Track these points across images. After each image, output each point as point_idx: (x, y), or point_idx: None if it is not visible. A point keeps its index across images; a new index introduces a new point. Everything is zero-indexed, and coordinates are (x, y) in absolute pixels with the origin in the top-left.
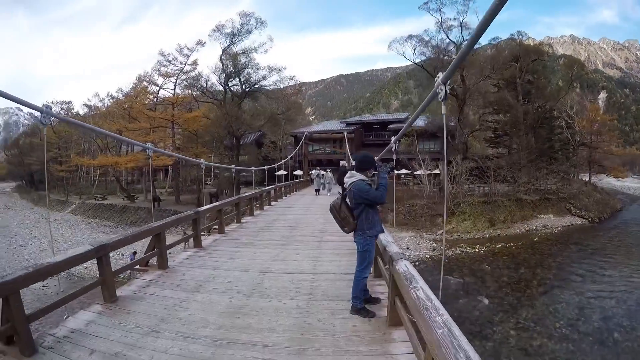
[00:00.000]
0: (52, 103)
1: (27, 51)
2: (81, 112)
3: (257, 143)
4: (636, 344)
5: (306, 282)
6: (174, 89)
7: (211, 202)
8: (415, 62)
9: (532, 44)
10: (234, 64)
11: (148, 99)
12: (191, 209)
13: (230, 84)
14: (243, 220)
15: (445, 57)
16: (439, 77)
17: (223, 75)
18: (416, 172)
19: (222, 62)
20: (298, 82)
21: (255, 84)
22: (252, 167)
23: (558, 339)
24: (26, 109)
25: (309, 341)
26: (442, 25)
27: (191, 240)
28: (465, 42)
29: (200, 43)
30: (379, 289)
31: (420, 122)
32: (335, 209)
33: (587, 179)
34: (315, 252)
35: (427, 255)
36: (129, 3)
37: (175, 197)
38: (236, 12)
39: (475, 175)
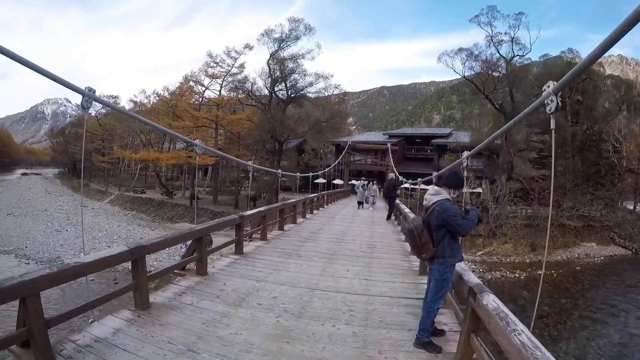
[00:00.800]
0: (99, 96)
1: (79, 46)
2: (127, 107)
3: (298, 149)
4: None
5: (360, 304)
6: (220, 91)
7: (249, 205)
8: (464, 76)
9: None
10: (281, 69)
11: (193, 99)
12: (235, 212)
13: (276, 89)
14: (286, 227)
15: (495, 73)
16: (549, 87)
17: (269, 80)
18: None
19: (269, 67)
20: (343, 91)
21: (301, 90)
22: (297, 174)
23: None
24: (74, 100)
25: None
26: (492, 40)
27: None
28: (584, 59)
29: (248, 47)
30: (441, 318)
31: (465, 139)
32: (415, 233)
33: (632, 207)
34: (366, 270)
35: None
36: (179, 6)
37: (213, 197)
38: (283, 19)
39: (519, 196)
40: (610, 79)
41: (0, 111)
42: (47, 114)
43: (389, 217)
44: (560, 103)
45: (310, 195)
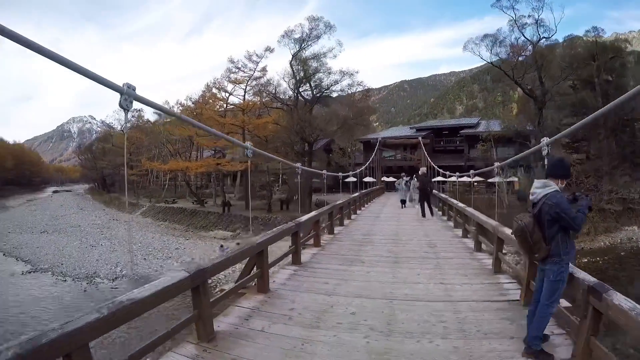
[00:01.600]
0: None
1: (96, 64)
2: (151, 119)
3: (326, 149)
4: None
5: (448, 313)
6: (244, 96)
7: (281, 209)
8: (492, 63)
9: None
10: (304, 69)
11: (218, 105)
12: (292, 220)
13: (300, 89)
14: (335, 230)
15: (520, 57)
16: None
17: (293, 81)
18: (492, 180)
19: (292, 68)
20: (366, 87)
21: (327, 88)
22: (339, 174)
23: None
24: (99, 117)
25: None
26: (516, 23)
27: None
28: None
29: (269, 49)
30: None
31: (496, 127)
32: (526, 232)
33: None
34: (437, 273)
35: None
36: (193, 17)
37: (245, 203)
38: (298, 21)
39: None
40: (633, 55)
41: (28, 132)
42: (73, 132)
43: (432, 213)
44: None
45: (353, 196)
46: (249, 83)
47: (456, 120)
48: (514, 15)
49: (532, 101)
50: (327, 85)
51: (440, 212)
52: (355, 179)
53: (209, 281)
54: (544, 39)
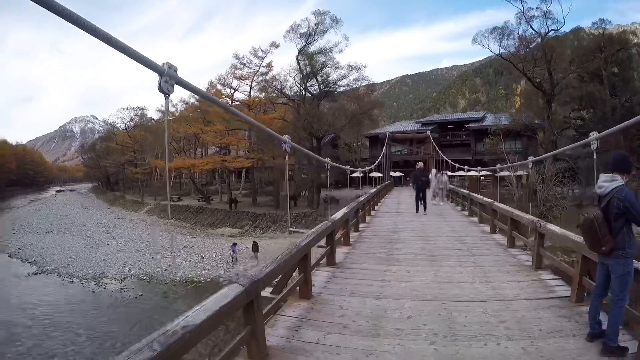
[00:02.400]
0: (127, 109)
1: (96, 65)
2: (155, 117)
3: (332, 145)
4: None
5: (505, 312)
6: (250, 92)
7: (289, 205)
8: (500, 55)
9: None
10: (311, 63)
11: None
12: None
13: (307, 84)
14: (360, 227)
15: (529, 50)
16: None
17: (300, 76)
18: (502, 174)
19: (298, 63)
20: (371, 82)
21: (334, 83)
22: (366, 168)
23: None
24: (101, 116)
25: None
26: (524, 15)
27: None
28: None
29: (274, 45)
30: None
31: (503, 120)
32: (596, 225)
33: None
34: (479, 270)
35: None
36: (192, 13)
37: (252, 199)
38: (298, 17)
39: (568, 177)
40: (636, 47)
41: (30, 133)
42: (75, 131)
43: (425, 208)
44: None
45: (371, 191)
46: (254, 79)
47: (462, 114)
48: (521, 8)
49: (541, 94)
50: (334, 80)
51: (459, 207)
52: (360, 174)
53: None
54: (552, 31)
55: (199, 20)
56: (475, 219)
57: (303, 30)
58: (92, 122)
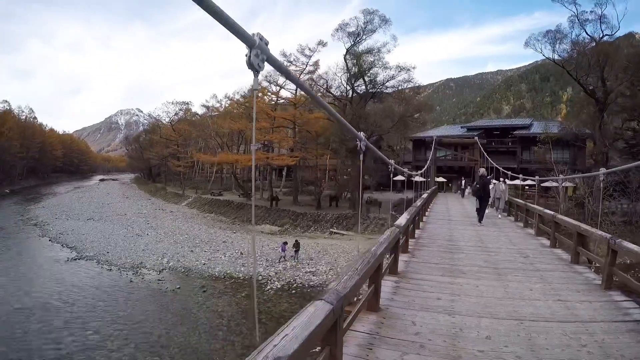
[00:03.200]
0: (172, 103)
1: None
2: (199, 112)
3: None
4: None
5: (584, 335)
6: (295, 90)
7: (330, 205)
8: (554, 60)
9: None
10: (358, 63)
11: (268, 99)
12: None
13: (354, 84)
14: (416, 234)
15: (583, 56)
16: None
17: (346, 75)
18: (546, 184)
19: (346, 62)
20: (417, 84)
21: (382, 84)
22: (418, 172)
23: None
24: (146, 110)
25: None
26: (578, 19)
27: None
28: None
29: (321, 43)
30: None
31: (553, 129)
32: None
33: None
34: (548, 287)
35: None
36: (237, 13)
37: (293, 198)
38: (342, 17)
39: (619, 191)
40: None
41: (76, 124)
42: (120, 124)
43: (480, 219)
44: None
45: (423, 196)
46: (300, 77)
47: (508, 121)
48: (575, 11)
49: (593, 103)
50: (382, 80)
51: (512, 217)
52: (403, 178)
53: None
54: (607, 36)
55: (242, 20)
56: (532, 230)
57: (351, 29)
58: (137, 115)
